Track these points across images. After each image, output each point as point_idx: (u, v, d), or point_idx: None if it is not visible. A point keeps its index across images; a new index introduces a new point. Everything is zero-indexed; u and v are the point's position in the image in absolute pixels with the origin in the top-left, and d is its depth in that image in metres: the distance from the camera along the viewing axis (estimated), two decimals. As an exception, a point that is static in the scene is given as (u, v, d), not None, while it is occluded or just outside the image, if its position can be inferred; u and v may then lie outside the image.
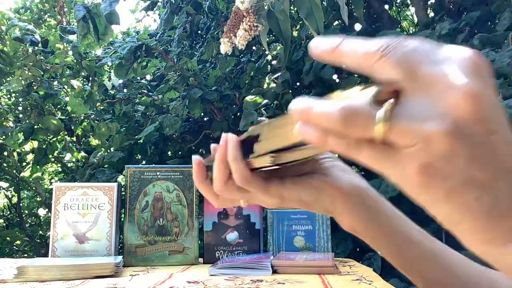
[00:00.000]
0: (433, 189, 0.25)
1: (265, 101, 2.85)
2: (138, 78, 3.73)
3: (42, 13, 4.95)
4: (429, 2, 3.24)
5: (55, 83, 3.81)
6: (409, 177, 0.25)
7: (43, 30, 4.50)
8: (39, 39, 3.43)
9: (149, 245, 1.15)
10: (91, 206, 1.16)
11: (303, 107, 0.28)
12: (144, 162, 3.63)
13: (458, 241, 0.28)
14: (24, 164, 4.59)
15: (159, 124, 3.13)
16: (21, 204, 4.97)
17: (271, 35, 3.26)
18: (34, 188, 4.89)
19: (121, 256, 1.09)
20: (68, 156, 4.62)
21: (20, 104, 4.23)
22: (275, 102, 2.86)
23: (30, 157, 4.36)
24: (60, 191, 1.16)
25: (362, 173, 2.16)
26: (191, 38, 3.66)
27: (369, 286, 0.84)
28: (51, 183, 5.26)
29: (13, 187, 4.82)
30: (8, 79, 3.50)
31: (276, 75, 3.01)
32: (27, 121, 3.74)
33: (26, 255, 4.72)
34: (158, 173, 1.18)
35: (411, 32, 3.61)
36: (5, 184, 4.84)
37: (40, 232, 4.96)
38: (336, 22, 3.23)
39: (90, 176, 3.18)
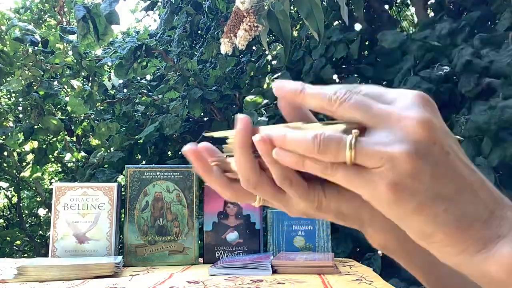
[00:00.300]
0: (403, 203, 0.27)
1: (265, 101, 2.85)
2: (138, 78, 3.73)
3: (42, 13, 4.96)
4: (429, 2, 3.24)
5: (55, 83, 3.81)
6: (381, 195, 0.28)
7: (43, 30, 4.50)
8: (39, 39, 3.43)
9: (149, 245, 1.15)
10: (91, 206, 1.16)
11: (277, 134, 0.31)
12: (144, 162, 3.64)
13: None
14: (24, 164, 4.59)
15: (159, 124, 3.13)
16: (21, 204, 4.97)
17: (271, 35, 3.27)
18: (34, 188, 4.89)
19: (121, 256, 1.09)
20: (68, 156, 4.63)
21: (20, 104, 4.23)
22: (275, 102, 2.86)
23: (30, 157, 4.36)
24: (60, 191, 1.16)
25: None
26: (191, 38, 3.66)
27: (369, 286, 0.84)
28: (51, 183, 5.26)
29: (13, 187, 4.82)
30: (8, 79, 3.50)
31: (276, 75, 3.01)
32: (27, 121, 3.74)
33: (26, 255, 4.72)
34: (158, 173, 1.18)
35: (411, 32, 3.60)
36: (5, 184, 4.84)
37: (40, 232, 4.96)
38: (336, 22, 3.22)
39: (90, 176, 3.18)
